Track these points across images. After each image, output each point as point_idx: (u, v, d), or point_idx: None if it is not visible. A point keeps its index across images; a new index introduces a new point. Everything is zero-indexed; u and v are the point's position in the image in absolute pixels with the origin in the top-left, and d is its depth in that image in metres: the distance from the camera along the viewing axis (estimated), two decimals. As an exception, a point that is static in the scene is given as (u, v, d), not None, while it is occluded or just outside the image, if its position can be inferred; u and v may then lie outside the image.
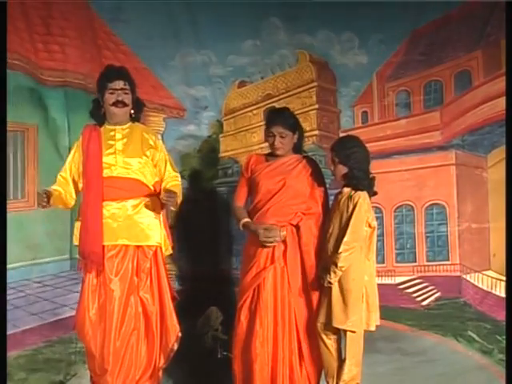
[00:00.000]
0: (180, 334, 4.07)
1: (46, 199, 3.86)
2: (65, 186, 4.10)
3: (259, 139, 5.51)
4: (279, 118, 4.17)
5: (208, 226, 5.22)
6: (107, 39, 5.35)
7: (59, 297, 5.01)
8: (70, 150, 4.59)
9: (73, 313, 4.17)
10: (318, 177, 4.20)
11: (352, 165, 4.00)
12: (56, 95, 5.12)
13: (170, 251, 4.23)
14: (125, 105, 4.08)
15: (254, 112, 5.63)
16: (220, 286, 5.10)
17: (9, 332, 4.75)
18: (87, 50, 5.24)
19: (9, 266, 4.76)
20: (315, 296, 4.05)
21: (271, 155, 4.27)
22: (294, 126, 4.20)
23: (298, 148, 4.26)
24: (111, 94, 4.05)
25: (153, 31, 5.35)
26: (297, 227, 4.06)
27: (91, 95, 4.82)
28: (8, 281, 4.74)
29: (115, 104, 4.05)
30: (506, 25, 4.57)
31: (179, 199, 4.04)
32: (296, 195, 4.11)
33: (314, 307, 4.06)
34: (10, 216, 4.79)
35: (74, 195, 4.15)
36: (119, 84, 4.05)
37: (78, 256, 4.10)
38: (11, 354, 4.82)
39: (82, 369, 4.18)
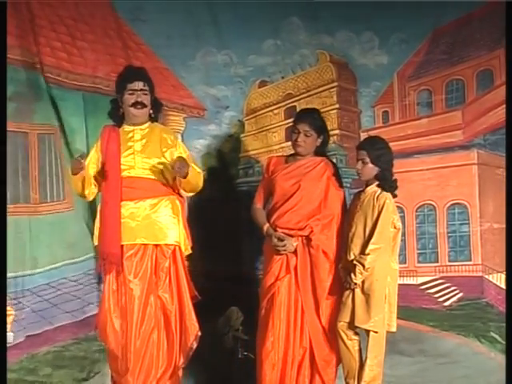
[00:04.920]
0: (199, 333, 4.08)
1: (82, 162, 3.90)
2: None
3: (280, 139, 5.52)
4: (307, 116, 4.26)
5: (229, 225, 5.22)
6: (128, 39, 5.35)
7: (88, 294, 5.07)
8: (88, 152, 4.64)
9: (97, 310, 4.21)
10: (335, 179, 4.25)
11: (382, 165, 4.02)
12: (74, 98, 5.13)
13: (189, 251, 4.24)
14: (144, 106, 4.10)
15: (275, 112, 5.60)
16: (241, 286, 5.10)
17: (43, 329, 4.94)
18: (106, 53, 5.25)
19: (48, 267, 4.99)
20: (326, 304, 4.14)
21: (292, 156, 4.33)
22: (321, 128, 4.26)
23: (320, 152, 4.30)
24: (130, 94, 4.06)
25: (173, 31, 5.35)
26: (308, 238, 4.13)
27: (109, 98, 4.86)
28: (47, 280, 4.97)
29: (134, 105, 4.07)
30: (507, 25, 4.56)
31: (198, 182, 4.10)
32: (311, 198, 4.16)
33: (325, 316, 4.14)
34: (51, 217, 5.02)
35: (94, 189, 4.16)
36: (139, 85, 4.06)
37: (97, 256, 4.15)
38: (42, 349, 4.91)
39: (106, 367, 4.20)
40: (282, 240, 4.11)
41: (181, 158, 3.92)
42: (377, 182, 4.06)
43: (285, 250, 4.12)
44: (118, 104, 4.14)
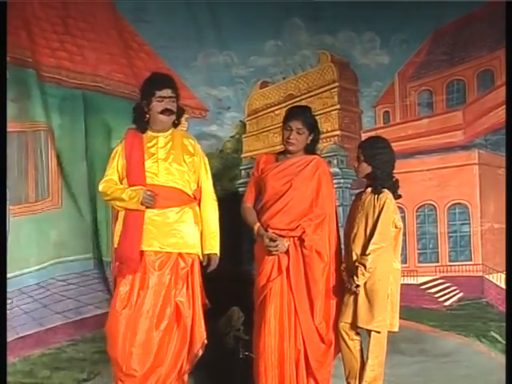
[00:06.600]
0: (206, 341, 4.09)
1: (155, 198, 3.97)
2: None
3: (281, 139, 5.52)
4: (300, 114, 4.21)
5: (230, 226, 5.22)
6: (130, 39, 5.38)
7: (83, 295, 5.03)
8: (87, 151, 4.61)
9: (97, 312, 4.19)
10: (327, 178, 4.21)
11: (376, 165, 4.01)
12: (74, 97, 5.15)
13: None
14: (172, 113, 4.09)
15: (276, 112, 5.63)
16: (242, 286, 5.09)
17: (34, 330, 4.89)
18: (107, 52, 5.28)
19: (37, 267, 4.94)
20: (320, 304, 4.10)
21: (283, 153, 4.30)
22: (312, 126, 4.22)
23: (310, 149, 4.27)
24: (159, 101, 4.04)
25: (175, 32, 5.39)
26: (300, 239, 4.09)
27: (108, 97, 4.85)
28: (36, 280, 4.92)
29: (163, 112, 4.06)
30: (507, 25, 4.57)
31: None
32: (302, 198, 4.13)
33: (319, 316, 4.10)
34: (36, 216, 4.94)
35: None
36: (167, 92, 4.05)
37: (110, 259, 4.13)
38: (35, 351, 4.89)
39: (106, 368, 4.20)
40: (275, 240, 4.06)
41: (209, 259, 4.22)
42: (378, 182, 4.07)
43: (277, 251, 4.07)
44: (143, 109, 4.12)
